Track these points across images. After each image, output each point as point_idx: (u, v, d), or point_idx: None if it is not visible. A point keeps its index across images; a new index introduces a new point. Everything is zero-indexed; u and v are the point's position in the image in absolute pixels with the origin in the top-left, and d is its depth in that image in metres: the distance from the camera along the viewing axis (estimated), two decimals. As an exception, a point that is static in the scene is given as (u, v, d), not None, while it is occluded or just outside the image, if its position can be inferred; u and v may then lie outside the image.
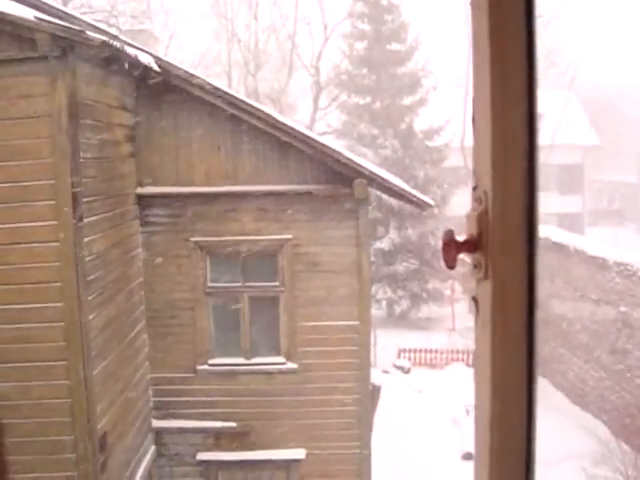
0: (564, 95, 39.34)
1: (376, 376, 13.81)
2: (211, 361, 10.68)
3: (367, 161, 13.08)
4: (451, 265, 1.27)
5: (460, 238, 1.27)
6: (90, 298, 8.25)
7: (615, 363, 17.23)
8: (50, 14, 8.74)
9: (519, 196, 1.19)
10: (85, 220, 8.10)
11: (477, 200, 1.22)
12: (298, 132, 10.45)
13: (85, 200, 8.13)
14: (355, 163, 10.38)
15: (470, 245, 1.23)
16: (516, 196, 1.19)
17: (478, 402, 1.28)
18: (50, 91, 7.72)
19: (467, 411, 18.01)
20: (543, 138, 38.28)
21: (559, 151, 37.82)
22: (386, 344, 22.09)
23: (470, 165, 33.84)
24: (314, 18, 34.22)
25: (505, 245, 1.20)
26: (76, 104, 7.91)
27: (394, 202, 23.32)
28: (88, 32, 8.02)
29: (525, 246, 1.21)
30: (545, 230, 23.57)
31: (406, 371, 21.88)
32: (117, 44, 8.63)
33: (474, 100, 1.27)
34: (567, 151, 39.47)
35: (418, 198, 11.31)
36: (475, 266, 1.25)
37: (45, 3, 9.82)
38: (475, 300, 1.27)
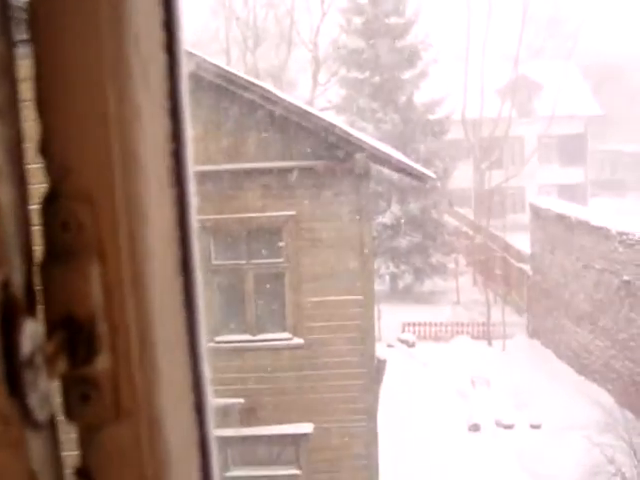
0: (564, 65, 39.12)
1: (381, 350, 13.90)
2: (217, 338, 10.74)
3: (367, 135, 13.08)
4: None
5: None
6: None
7: (619, 332, 17.30)
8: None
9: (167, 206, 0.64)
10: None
11: (63, 227, 0.57)
12: (299, 108, 10.45)
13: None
14: (355, 138, 10.38)
15: (79, 343, 0.57)
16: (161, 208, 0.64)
17: None
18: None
19: (473, 383, 18.15)
20: (543, 109, 38.12)
21: (560, 122, 37.66)
22: (390, 319, 22.17)
23: (472, 137, 33.75)
24: (312, -7, 33.97)
25: (152, 330, 0.62)
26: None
27: (395, 176, 23.32)
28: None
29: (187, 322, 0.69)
30: (547, 201, 23.59)
31: (411, 345, 21.98)
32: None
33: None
34: (568, 122, 39.31)
35: (419, 171, 11.32)
36: (85, 397, 0.58)
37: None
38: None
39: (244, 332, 10.82)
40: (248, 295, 10.72)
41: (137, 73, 0.58)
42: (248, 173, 10.42)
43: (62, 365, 0.56)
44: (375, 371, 11.17)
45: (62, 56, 0.56)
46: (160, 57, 0.63)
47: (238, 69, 25.11)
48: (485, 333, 22.46)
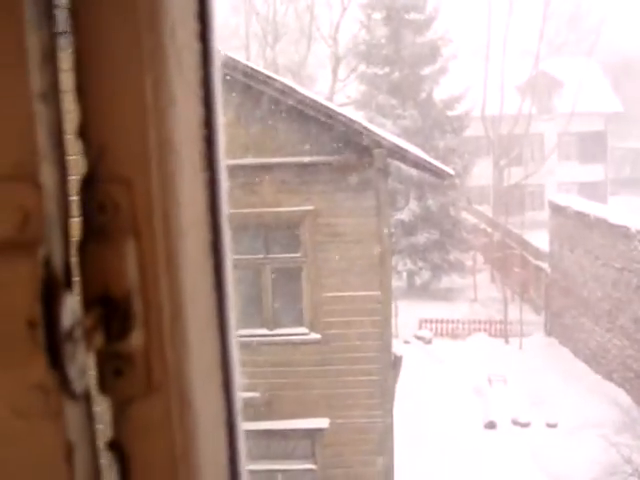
0: (584, 62, 38.85)
1: (397, 347, 13.90)
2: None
3: (386, 131, 13.07)
4: None
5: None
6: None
7: (637, 331, 17.20)
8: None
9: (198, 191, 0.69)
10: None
11: (100, 208, 0.59)
12: (318, 103, 10.46)
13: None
14: (374, 133, 10.38)
15: (114, 319, 0.60)
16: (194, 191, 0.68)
17: None
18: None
19: (489, 380, 18.11)
20: (563, 106, 37.88)
21: (580, 119, 37.41)
22: (407, 315, 22.15)
23: (492, 134, 33.57)
24: (332, -12, 33.93)
25: (184, 308, 0.63)
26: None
27: (414, 172, 23.26)
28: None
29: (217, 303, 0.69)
30: (566, 199, 23.45)
31: (427, 341, 21.95)
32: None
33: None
34: (588, 119, 39.05)
35: (438, 168, 11.30)
36: (119, 372, 0.61)
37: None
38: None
39: (261, 326, 10.85)
40: (265, 290, 10.75)
41: (172, 62, 0.61)
42: (267, 168, 10.44)
43: (99, 339, 0.59)
44: (391, 367, 11.17)
45: (102, 47, 0.59)
46: (194, 46, 0.65)
47: (257, 64, 25.13)
48: (502, 331, 22.39)
